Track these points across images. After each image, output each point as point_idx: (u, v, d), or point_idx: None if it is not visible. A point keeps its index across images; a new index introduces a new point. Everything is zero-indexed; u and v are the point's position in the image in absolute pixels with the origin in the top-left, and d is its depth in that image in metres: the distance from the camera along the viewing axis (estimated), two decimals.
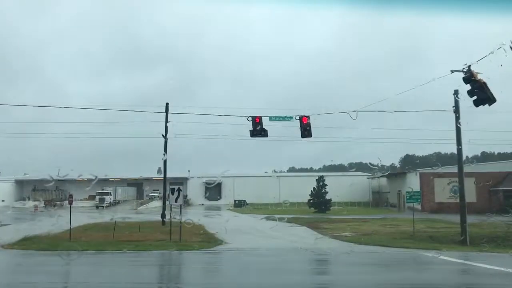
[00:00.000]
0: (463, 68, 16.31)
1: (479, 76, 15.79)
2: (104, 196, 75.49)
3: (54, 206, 76.45)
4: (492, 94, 15.91)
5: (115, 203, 79.30)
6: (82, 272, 15.94)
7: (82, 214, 49.83)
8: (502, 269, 15.22)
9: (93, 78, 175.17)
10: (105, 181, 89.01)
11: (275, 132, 25.35)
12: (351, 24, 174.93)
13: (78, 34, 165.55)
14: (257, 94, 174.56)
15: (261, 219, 48.30)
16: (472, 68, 15.88)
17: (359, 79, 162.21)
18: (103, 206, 73.40)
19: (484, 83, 15.87)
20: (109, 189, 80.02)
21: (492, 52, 13.22)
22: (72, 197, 28.12)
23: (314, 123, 22.73)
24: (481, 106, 16.27)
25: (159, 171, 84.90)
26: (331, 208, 64.19)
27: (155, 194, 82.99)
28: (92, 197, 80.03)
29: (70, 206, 27.68)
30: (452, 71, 17.79)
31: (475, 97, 16.39)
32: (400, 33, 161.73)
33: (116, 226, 27.97)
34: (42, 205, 75.29)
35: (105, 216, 48.88)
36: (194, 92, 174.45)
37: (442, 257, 19.23)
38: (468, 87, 16.19)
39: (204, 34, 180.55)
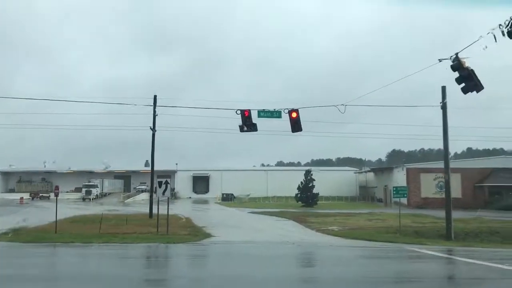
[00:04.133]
0: (451, 57, 16.47)
1: (466, 64, 15.98)
2: (90, 189, 75.01)
3: (40, 198, 75.77)
4: (479, 81, 16.12)
5: (102, 195, 78.85)
6: (68, 264, 15.85)
7: (68, 206, 49.54)
8: (484, 263, 15.45)
9: (99, 62, 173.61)
10: (92, 173, 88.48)
11: (265, 126, 25.36)
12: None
13: (88, 17, 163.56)
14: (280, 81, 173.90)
15: (249, 212, 48.40)
16: (460, 56, 16.07)
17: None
18: (89, 199, 72.97)
19: (472, 70, 16.07)
20: (96, 181, 79.54)
21: (481, 37, 13.31)
22: (58, 189, 27.89)
23: (305, 117, 22.82)
24: (469, 93, 16.48)
25: (146, 163, 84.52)
26: (318, 202, 64.55)
27: (143, 186, 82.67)
28: (78, 189, 79.53)
29: (56, 198, 27.49)
30: (440, 60, 17.91)
31: (463, 84, 16.60)
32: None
33: (103, 218, 27.85)
34: (28, 196, 74.57)
35: (92, 209, 48.62)
36: (209, 77, 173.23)
37: (426, 251, 19.45)
38: (447, 75, 16.45)
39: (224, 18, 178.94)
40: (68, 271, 14.01)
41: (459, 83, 16.75)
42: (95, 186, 76.87)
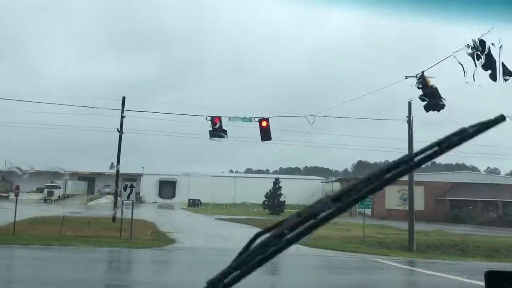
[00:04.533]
0: (417, 74, 16.86)
1: (431, 82, 16.35)
2: (53, 189, 73.02)
3: None
4: (441, 100, 16.49)
5: (65, 197, 76.92)
6: (24, 267, 15.34)
7: (29, 207, 48.07)
8: (444, 275, 15.77)
9: (69, 60, 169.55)
10: (55, 174, 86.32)
11: (234, 132, 25.32)
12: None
13: (60, 10, 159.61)
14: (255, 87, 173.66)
15: (215, 219, 48.13)
16: (426, 74, 16.45)
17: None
18: (51, 200, 71.03)
19: (436, 88, 16.44)
20: (58, 182, 77.50)
21: (445, 59, 13.65)
22: (18, 189, 27.03)
23: (275, 126, 22.92)
24: (431, 111, 16.83)
25: (112, 166, 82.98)
26: (285, 210, 64.77)
27: (107, 189, 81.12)
28: (40, 190, 77.33)
29: (16, 198, 26.63)
30: (406, 77, 18.33)
31: (426, 102, 16.96)
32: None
33: (65, 220, 27.13)
34: None
35: (53, 210, 47.39)
36: (183, 81, 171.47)
37: (389, 262, 19.73)
38: (420, 92, 16.76)
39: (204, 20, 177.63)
40: (24, 274, 13.54)
41: (422, 101, 17.12)
42: (57, 187, 74.88)
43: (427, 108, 16.91)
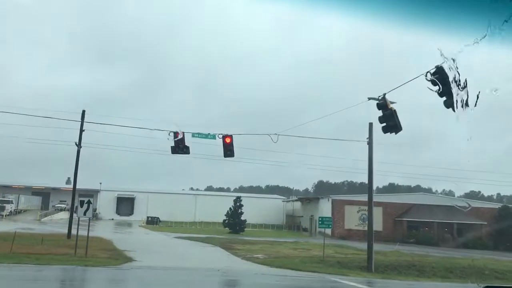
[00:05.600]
0: (379, 96, 17.22)
1: (391, 105, 16.74)
2: (4, 204, 69.95)
3: None
4: (399, 123, 16.87)
5: (17, 212, 73.87)
6: None
7: None
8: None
9: (32, 69, 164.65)
10: (6, 188, 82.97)
11: (197, 150, 25.11)
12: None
13: (31, 19, 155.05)
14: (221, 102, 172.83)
15: (174, 237, 47.28)
16: (387, 96, 16.83)
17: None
18: (2, 215, 67.96)
19: (395, 111, 16.83)
20: (11, 197, 74.42)
21: (406, 82, 13.97)
22: None
23: (239, 143, 22.88)
24: (388, 133, 17.19)
25: (68, 181, 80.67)
26: (246, 229, 64.41)
27: (62, 205, 78.52)
28: None
29: None
30: (369, 98, 18.71)
31: (384, 124, 17.32)
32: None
33: (16, 237, 25.94)
34: None
35: (4, 226, 45.33)
36: (149, 96, 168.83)
37: (348, 282, 19.80)
38: (381, 113, 17.11)
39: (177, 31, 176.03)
40: None
41: (381, 122, 17.50)
42: (9, 202, 71.85)
43: (385, 130, 17.29)
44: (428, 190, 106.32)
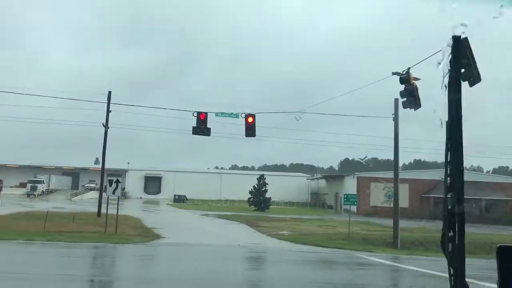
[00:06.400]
0: (403, 71, 16.94)
1: (413, 80, 16.46)
2: (36, 184, 72.09)
3: None
4: (419, 100, 16.58)
5: (48, 192, 76.06)
6: (8, 263, 15.14)
7: (11, 202, 47.49)
8: (426, 271, 15.97)
9: (61, 50, 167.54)
10: (38, 169, 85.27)
11: (220, 128, 25.29)
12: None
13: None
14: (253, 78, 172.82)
15: (201, 215, 48.05)
16: (411, 71, 16.54)
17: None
18: (34, 195, 70.10)
19: (416, 87, 16.54)
20: (42, 177, 76.58)
21: (432, 55, 13.65)
22: (1, 183, 26.66)
23: (263, 122, 22.94)
24: (408, 109, 16.95)
25: (97, 161, 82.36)
26: (270, 207, 64.92)
27: (92, 185, 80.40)
28: (23, 185, 76.31)
29: None
30: (393, 73, 18.40)
31: (405, 99, 17.09)
32: None
33: (48, 216, 26.81)
34: None
35: (37, 205, 46.83)
36: (178, 75, 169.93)
37: (373, 258, 19.90)
38: (403, 88, 16.87)
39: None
40: (9, 269, 13.37)
41: (402, 97, 17.24)
42: (41, 182, 73.97)
43: (405, 105, 17.07)
44: None
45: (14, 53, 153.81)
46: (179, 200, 77.78)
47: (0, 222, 24.47)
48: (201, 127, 22.50)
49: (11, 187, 74.73)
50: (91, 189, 77.95)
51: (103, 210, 29.11)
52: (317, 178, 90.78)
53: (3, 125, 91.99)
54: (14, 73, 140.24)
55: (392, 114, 25.63)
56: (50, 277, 12.01)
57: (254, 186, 65.34)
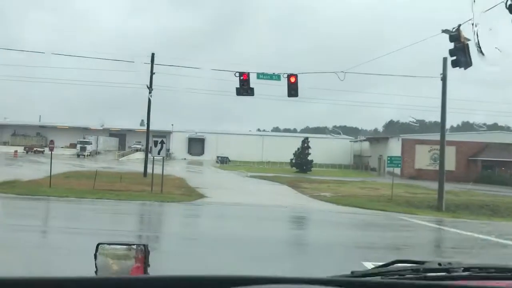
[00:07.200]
0: (453, 28, 16.17)
1: (463, 38, 15.67)
2: (85, 145, 74.87)
3: (35, 152, 75.75)
4: (470, 58, 15.78)
5: (97, 152, 78.89)
6: (62, 217, 15.99)
7: (62, 162, 49.65)
8: (470, 234, 15.71)
9: (108, 12, 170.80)
10: (86, 130, 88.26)
11: (262, 90, 25.18)
12: None
13: None
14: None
15: (243, 176, 48.71)
16: (462, 28, 15.75)
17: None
18: (84, 155, 72.92)
19: (467, 45, 15.73)
20: (90, 138, 79.34)
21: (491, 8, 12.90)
22: (53, 144, 27.81)
23: (302, 84, 22.64)
24: (457, 68, 16.25)
25: (142, 123, 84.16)
26: (313, 169, 64.96)
27: (138, 145, 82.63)
28: (73, 145, 79.41)
29: (51, 153, 27.45)
30: (443, 31, 17.57)
31: (454, 57, 16.35)
32: None
33: (97, 175, 27.92)
34: (22, 150, 74.47)
35: (86, 165, 48.78)
36: (224, 35, 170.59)
37: (416, 221, 19.72)
38: (452, 46, 16.15)
39: None
40: (62, 224, 14.14)
41: (451, 56, 16.49)
42: (89, 143, 76.72)
43: (454, 64, 16.36)
44: (506, 128, 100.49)
45: (65, 14, 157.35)
46: (222, 161, 79.02)
47: (53, 181, 25.67)
48: (244, 87, 22.49)
49: (61, 147, 77.93)
50: (137, 150, 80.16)
51: (149, 170, 29.99)
52: (361, 141, 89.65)
53: (53, 87, 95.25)
54: (63, 34, 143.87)
55: (440, 74, 24.75)
56: (101, 231, 12.60)
57: (297, 148, 65.41)
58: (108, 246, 1.82)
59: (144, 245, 1.83)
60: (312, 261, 10.23)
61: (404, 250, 12.59)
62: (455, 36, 15.90)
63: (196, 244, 11.76)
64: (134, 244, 1.83)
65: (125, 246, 1.82)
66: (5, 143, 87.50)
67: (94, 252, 1.75)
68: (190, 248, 11.11)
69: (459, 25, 15.87)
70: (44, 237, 12.53)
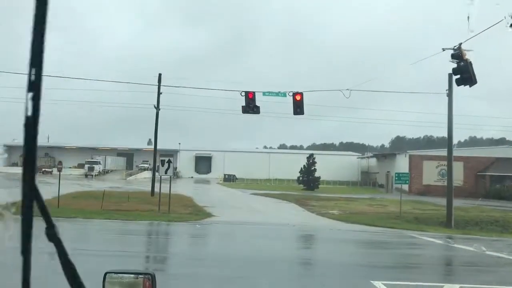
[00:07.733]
0: (454, 46, 16.25)
1: (467, 56, 15.75)
2: (93, 165, 75.20)
3: (43, 172, 76.14)
4: (474, 75, 15.87)
5: (105, 172, 79.16)
6: (70, 239, 15.98)
7: (70, 182, 49.83)
8: (481, 251, 15.52)
9: (118, 31, 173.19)
10: (94, 150, 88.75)
11: (268, 108, 25.31)
12: None
13: None
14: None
15: (250, 194, 48.60)
16: (463, 47, 15.83)
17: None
18: (92, 175, 73.18)
19: (470, 63, 15.82)
20: (98, 158, 79.70)
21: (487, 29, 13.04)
22: (61, 164, 27.99)
23: (308, 101, 22.75)
24: (462, 86, 16.31)
25: (149, 142, 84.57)
26: (320, 186, 64.71)
27: (145, 165, 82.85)
28: (81, 165, 79.76)
29: (59, 174, 27.59)
30: (444, 49, 17.67)
31: (458, 76, 16.42)
32: None
33: (105, 195, 27.98)
34: None
35: (94, 185, 48.91)
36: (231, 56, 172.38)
37: (426, 238, 19.53)
38: (455, 65, 16.21)
39: None
40: (70, 246, 14.12)
41: (455, 74, 16.59)
42: (97, 163, 77.05)
43: (459, 82, 16.42)
44: None
45: (76, 34, 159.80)
46: (229, 179, 78.95)
47: (61, 201, 25.73)
48: (250, 105, 22.65)
49: (69, 167, 78.29)
50: (144, 169, 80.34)
51: (156, 189, 30.03)
52: (368, 157, 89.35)
53: (61, 108, 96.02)
54: (73, 54, 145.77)
55: (446, 90, 24.74)
56: (108, 253, 12.60)
57: (303, 165, 65.27)
58: (115, 275, 1.84)
59: (151, 274, 1.85)
60: (322, 281, 10.16)
61: (415, 268, 12.46)
62: (457, 54, 15.97)
63: (203, 264, 11.73)
64: (141, 273, 1.86)
65: (132, 275, 1.85)
66: (14, 164, 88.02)
67: (102, 281, 1.78)
68: (198, 268, 11.07)
69: (460, 44, 15.94)
70: (52, 259, 12.53)
